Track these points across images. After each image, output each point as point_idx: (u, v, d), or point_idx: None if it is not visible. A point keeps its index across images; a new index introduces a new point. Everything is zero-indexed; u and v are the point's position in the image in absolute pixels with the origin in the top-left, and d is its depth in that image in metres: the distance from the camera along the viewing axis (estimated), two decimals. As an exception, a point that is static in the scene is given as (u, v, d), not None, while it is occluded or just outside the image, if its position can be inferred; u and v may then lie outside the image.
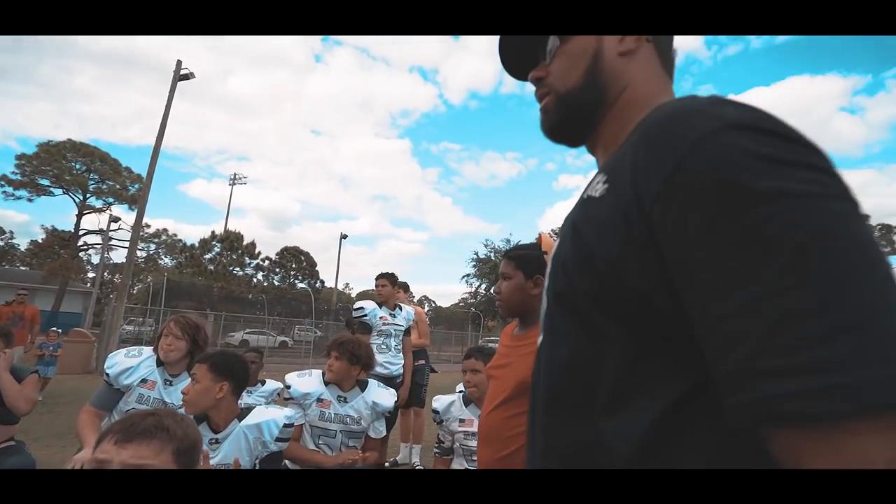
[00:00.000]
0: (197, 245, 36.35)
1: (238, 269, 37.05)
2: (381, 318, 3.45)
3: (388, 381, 3.06)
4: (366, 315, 3.41)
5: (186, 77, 13.20)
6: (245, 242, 37.37)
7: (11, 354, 2.39)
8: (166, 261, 38.99)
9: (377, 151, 75.69)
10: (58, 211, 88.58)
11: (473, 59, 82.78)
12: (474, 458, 1.98)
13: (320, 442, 2.12)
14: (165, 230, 39.85)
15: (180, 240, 40.69)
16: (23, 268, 35.09)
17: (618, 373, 0.40)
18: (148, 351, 2.02)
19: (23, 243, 40.51)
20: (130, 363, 1.95)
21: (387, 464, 3.56)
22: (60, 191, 32.68)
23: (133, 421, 0.86)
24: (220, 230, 36.75)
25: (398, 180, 76.65)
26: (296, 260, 40.75)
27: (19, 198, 30.90)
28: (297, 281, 40.49)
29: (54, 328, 8.51)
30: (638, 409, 0.38)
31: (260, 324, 22.05)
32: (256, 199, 68.90)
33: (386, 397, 2.22)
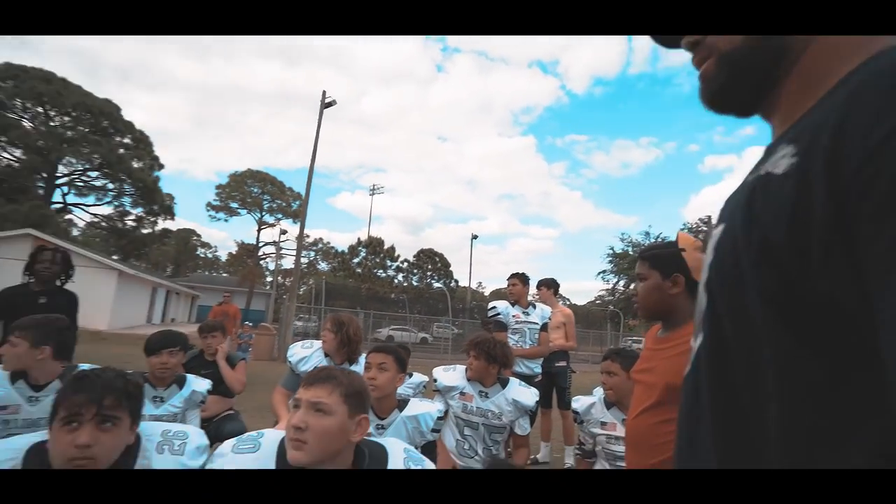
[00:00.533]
0: (346, 251, 41.22)
1: (381, 270, 40.96)
2: (513, 316, 3.49)
3: (527, 379, 3.09)
4: (499, 314, 3.49)
5: (330, 104, 15.01)
6: (386, 247, 41.17)
7: (226, 345, 2.96)
8: (323, 265, 45.12)
9: (501, 151, 76.14)
10: (245, 227, 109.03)
11: (595, 43, 77.88)
12: (618, 462, 1.98)
13: (465, 432, 2.25)
14: (321, 239, 46.32)
15: (333, 247, 46.69)
16: (224, 274, 44.00)
17: (797, 393, 0.32)
18: (318, 343, 2.35)
19: (223, 255, 50.64)
20: (305, 353, 2.29)
21: (528, 462, 3.66)
22: (245, 211, 40.26)
23: (314, 373, 1.16)
24: (364, 236, 41.19)
25: (524, 178, 75.98)
26: (431, 261, 43.27)
27: (219, 219, 38.99)
28: (433, 280, 42.89)
29: (247, 322, 10.53)
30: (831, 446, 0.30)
31: (402, 321, 23.84)
32: (393, 207, 75.08)
33: (527, 395, 2.27)
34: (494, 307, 3.55)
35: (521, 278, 3.64)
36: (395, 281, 41.04)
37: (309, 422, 1.04)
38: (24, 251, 17.52)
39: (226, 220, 38.98)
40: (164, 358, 2.09)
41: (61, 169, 28.19)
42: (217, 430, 2.59)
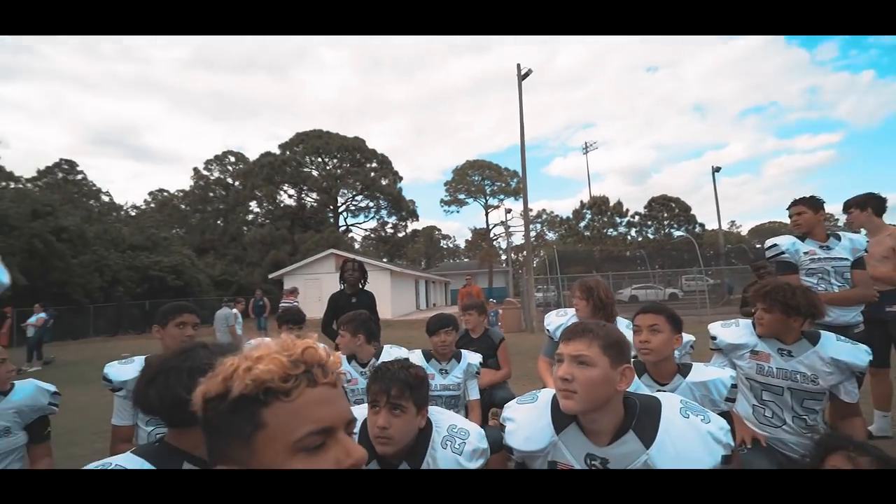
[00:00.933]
0: (570, 216, 40.11)
1: (611, 230, 38.29)
2: (806, 253, 2.75)
3: (843, 331, 2.30)
4: (783, 252, 2.79)
5: (526, 75, 14.51)
6: (612, 203, 38.22)
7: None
8: (551, 235, 45.26)
9: (732, 57, 60.25)
10: (475, 214, 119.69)
11: None
12: None
13: (765, 397, 1.91)
14: (544, 210, 46.51)
15: (557, 215, 46.20)
16: (465, 259, 49.28)
17: None
18: (571, 311, 2.35)
19: (461, 242, 56.66)
20: (560, 321, 2.38)
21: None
22: (471, 199, 43.88)
23: (571, 328, 1.20)
24: (586, 198, 39.22)
25: (773, 80, 58.36)
26: (666, 208, 37.96)
27: (452, 211, 43.79)
28: (672, 230, 37.65)
29: (492, 299, 11.16)
30: None
31: (644, 278, 21.64)
32: (610, 160, 69.29)
33: (852, 352, 1.82)
34: (776, 245, 2.83)
35: (810, 204, 2.79)
36: (629, 237, 37.68)
37: (574, 373, 1.10)
38: (331, 266, 23.63)
39: (457, 212, 43.56)
40: (442, 336, 2.41)
41: (339, 200, 36.82)
42: (490, 397, 2.87)
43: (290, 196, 35.83)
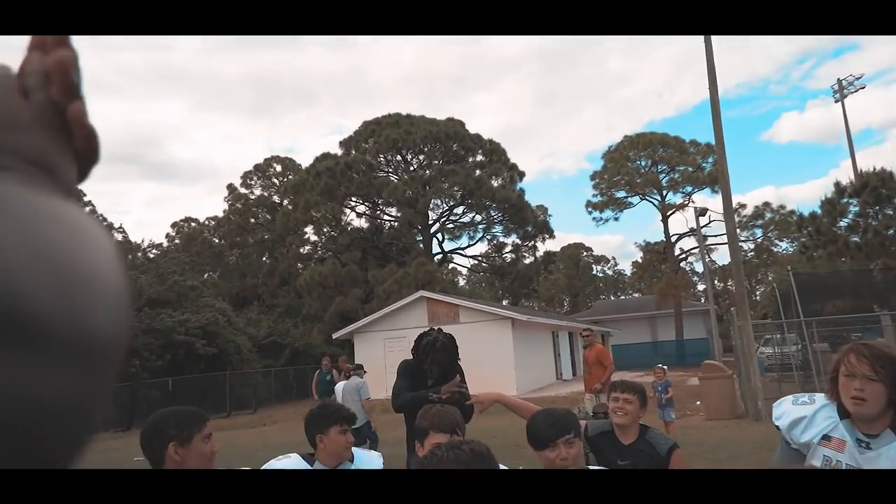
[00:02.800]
0: (819, 210, 36.10)
1: (898, 229, 33.69)
2: None
3: None
4: None
5: None
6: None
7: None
8: (783, 246, 41.30)
9: None
10: (644, 220, 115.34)
11: None
12: None
13: None
14: (767, 204, 42.53)
15: (792, 211, 41.92)
16: (635, 295, 47.38)
17: None
18: (822, 398, 2.35)
19: (626, 267, 54.74)
20: (798, 412, 2.35)
21: None
22: (637, 197, 42.11)
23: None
24: (845, 177, 35.15)
25: None
26: None
27: (606, 219, 42.31)
28: None
29: (660, 365, 10.31)
30: None
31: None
32: (890, 106, 61.98)
33: None
34: None
35: None
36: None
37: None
38: (422, 315, 24.24)
39: (616, 219, 42.09)
40: (560, 451, 2.55)
41: (431, 215, 38.08)
42: None
43: (360, 215, 38.09)
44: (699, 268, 43.21)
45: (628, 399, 3.33)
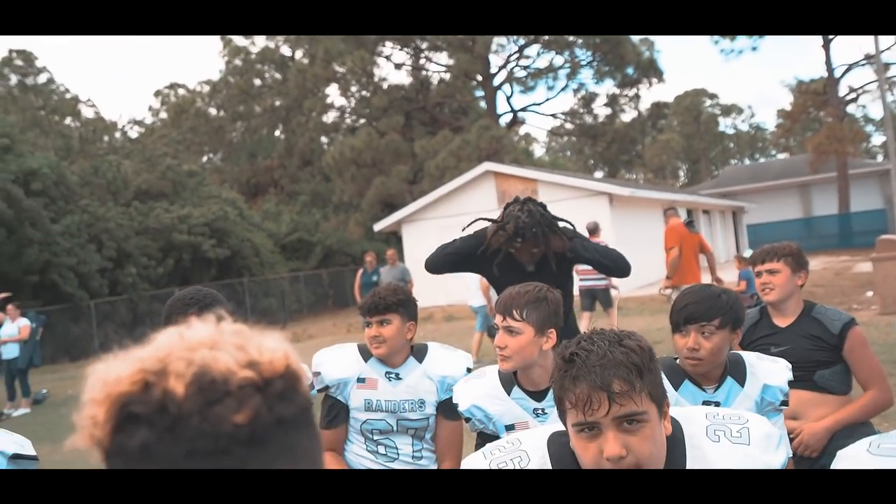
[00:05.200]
0: None
1: None
2: None
3: None
4: None
5: None
6: None
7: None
8: None
9: None
10: (794, 51, 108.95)
11: None
12: None
13: None
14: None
15: None
16: (780, 156, 45.52)
17: None
18: None
19: (766, 118, 52.31)
20: None
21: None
22: (784, 17, 39.52)
23: None
24: None
25: None
26: None
27: (739, 50, 40.04)
28: None
29: (749, 249, 9.96)
30: None
31: None
32: None
33: None
34: None
35: None
36: None
37: None
38: (490, 196, 23.80)
39: (753, 48, 39.75)
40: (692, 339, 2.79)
41: (493, 61, 36.93)
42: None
43: (398, 66, 37.47)
44: (875, 112, 40.86)
45: (773, 269, 3.39)
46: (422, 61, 37.08)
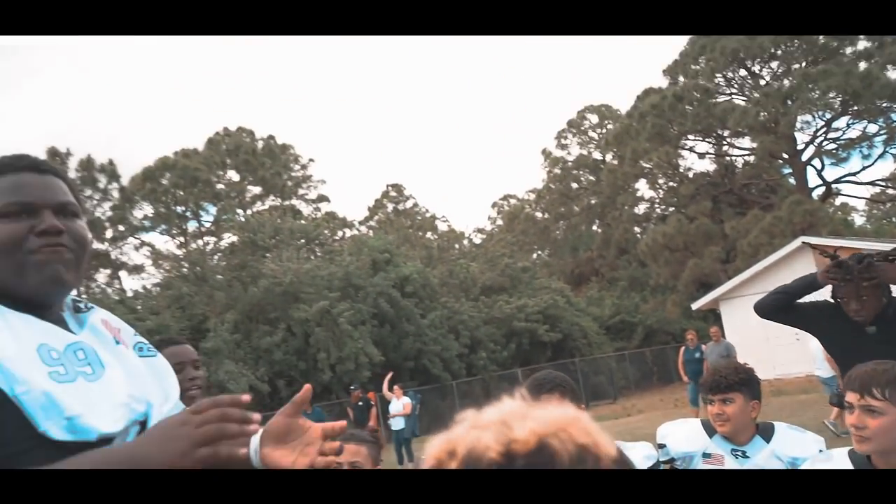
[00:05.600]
0: None
1: None
2: None
3: None
4: None
5: None
6: None
7: None
8: None
9: None
10: None
11: None
12: None
13: None
14: None
15: None
16: None
17: None
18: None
19: None
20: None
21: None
22: None
23: None
24: None
25: None
26: None
27: None
28: None
29: None
30: None
31: None
32: None
33: None
34: None
35: None
36: None
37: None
38: (807, 270, 22.66)
39: None
40: None
41: (798, 139, 34.92)
42: None
43: (701, 156, 36.96)
44: None
45: None
46: (724, 148, 36.16)
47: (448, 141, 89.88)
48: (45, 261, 1.26)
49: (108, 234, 36.27)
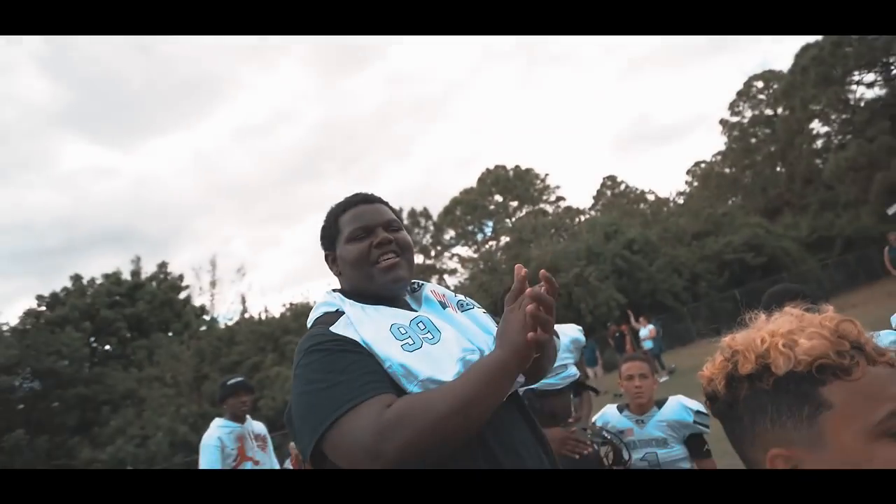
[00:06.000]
0: None
1: None
2: None
3: None
4: None
5: None
6: None
7: None
8: None
9: None
10: None
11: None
12: None
13: None
14: None
15: None
16: None
17: None
18: None
19: None
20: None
21: None
22: None
23: None
24: None
25: None
26: None
27: None
28: None
29: None
30: None
31: None
32: None
33: None
34: None
35: None
36: None
37: None
38: None
39: None
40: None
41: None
42: None
43: (870, 85, 29.11)
44: None
45: None
46: (894, 72, 28.32)
47: (640, 128, 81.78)
48: (385, 267, 1.21)
49: (432, 253, 39.08)
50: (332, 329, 1.10)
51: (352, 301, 1.21)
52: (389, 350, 1.07)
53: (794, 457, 0.65)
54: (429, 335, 1.14)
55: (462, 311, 1.29)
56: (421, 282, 1.38)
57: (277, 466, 3.80)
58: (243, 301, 24.02)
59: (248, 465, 3.35)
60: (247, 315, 22.50)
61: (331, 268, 1.31)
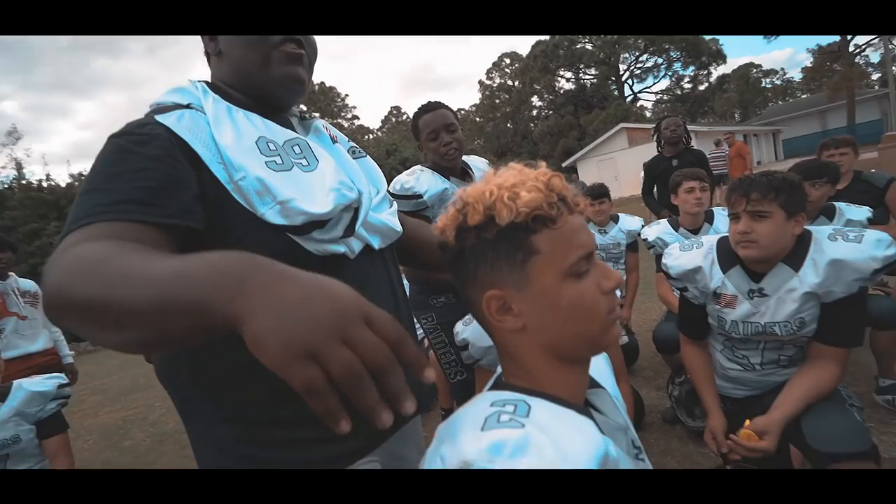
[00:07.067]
0: None
1: None
2: None
3: None
4: None
5: None
6: None
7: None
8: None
9: None
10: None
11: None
12: None
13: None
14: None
15: None
16: (804, 96, 37.90)
17: None
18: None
19: (795, 74, 43.39)
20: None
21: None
22: (809, 7, 32.20)
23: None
24: None
25: None
26: None
27: (775, 36, 33.66)
28: None
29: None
30: None
31: None
32: None
33: None
34: None
35: None
36: None
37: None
38: (623, 142, 23.29)
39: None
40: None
41: (621, 68, 34.40)
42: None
43: (567, 80, 35.86)
44: (874, 58, 32.87)
45: (844, 152, 2.37)
46: (580, 75, 35.03)
47: (424, 74, 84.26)
48: (289, 53, 0.75)
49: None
50: (159, 118, 0.66)
51: (218, 97, 0.73)
52: (247, 161, 0.67)
53: (506, 296, 0.58)
54: (303, 161, 0.73)
55: (354, 158, 0.85)
56: (314, 114, 0.83)
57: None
58: (19, 167, 18.02)
59: (12, 321, 2.58)
60: (24, 182, 16.64)
61: (207, 45, 0.78)
